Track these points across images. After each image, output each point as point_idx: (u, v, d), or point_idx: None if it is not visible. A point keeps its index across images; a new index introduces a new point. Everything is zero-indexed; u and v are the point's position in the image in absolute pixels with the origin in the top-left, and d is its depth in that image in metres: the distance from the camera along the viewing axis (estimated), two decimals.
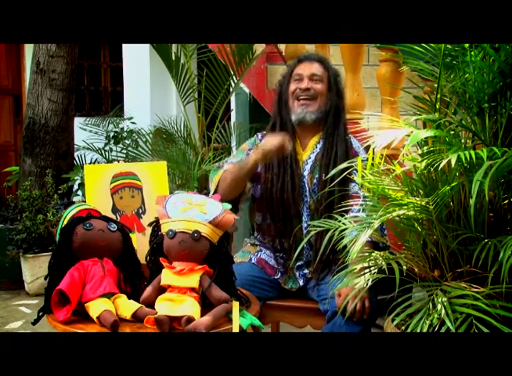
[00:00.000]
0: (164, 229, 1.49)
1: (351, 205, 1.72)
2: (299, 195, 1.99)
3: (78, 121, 4.51)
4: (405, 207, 1.39)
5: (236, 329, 1.40)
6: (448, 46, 1.53)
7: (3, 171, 4.69)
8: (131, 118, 4.66)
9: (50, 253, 2.10)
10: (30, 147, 4.02)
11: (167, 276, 1.45)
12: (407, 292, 1.38)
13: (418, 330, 1.27)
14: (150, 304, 1.44)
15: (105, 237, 1.50)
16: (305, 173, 2.01)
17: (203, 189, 3.79)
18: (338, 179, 1.69)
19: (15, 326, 3.10)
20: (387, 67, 2.88)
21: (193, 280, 1.44)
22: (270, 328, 2.22)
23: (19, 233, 3.61)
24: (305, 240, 1.69)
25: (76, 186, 3.86)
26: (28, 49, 5.59)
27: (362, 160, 1.52)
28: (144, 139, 4.25)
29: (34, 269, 3.61)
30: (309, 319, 1.95)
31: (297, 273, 1.99)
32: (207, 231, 1.47)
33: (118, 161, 2.15)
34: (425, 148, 1.46)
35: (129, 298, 1.47)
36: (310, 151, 2.03)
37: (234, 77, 3.87)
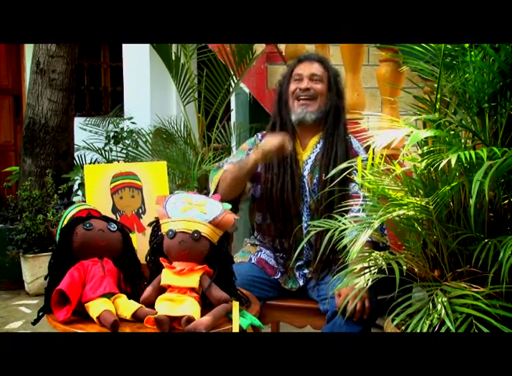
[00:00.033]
0: (164, 229, 1.49)
1: (351, 205, 1.72)
2: (299, 195, 1.99)
3: (78, 121, 4.51)
4: (405, 207, 1.39)
5: (236, 329, 1.40)
6: (448, 46, 1.53)
7: (3, 171, 4.69)
8: (131, 118, 4.66)
9: (50, 253, 2.10)
10: (30, 147, 4.02)
11: (167, 276, 1.45)
12: (407, 292, 1.38)
13: (418, 330, 1.27)
14: (150, 304, 1.44)
15: (105, 237, 1.50)
16: (305, 173, 2.01)
17: (203, 189, 3.79)
18: (338, 179, 1.69)
19: (15, 326, 3.10)
20: (387, 67, 2.88)
21: (193, 280, 1.44)
22: (270, 328, 2.22)
23: (19, 233, 3.61)
24: (305, 240, 1.69)
25: (76, 186, 3.86)
26: (28, 49, 5.59)
27: (362, 160, 1.52)
28: (144, 139, 4.25)
29: (34, 269, 3.61)
30: (309, 319, 1.95)
31: (297, 273, 1.99)
32: (207, 231, 1.47)
33: (118, 161, 2.15)
34: (425, 148, 1.46)
35: (129, 298, 1.47)
36: (310, 151, 2.03)
37: (234, 77, 3.87)
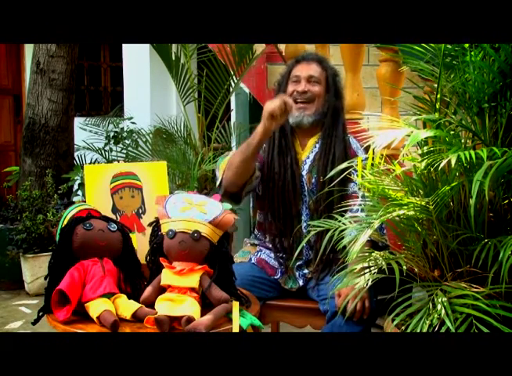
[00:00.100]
0: (164, 229, 1.49)
1: (350, 205, 1.72)
2: (299, 194, 1.99)
3: (78, 121, 4.52)
4: (405, 207, 1.39)
5: (236, 329, 1.40)
6: (448, 46, 1.52)
7: (3, 171, 4.69)
8: (131, 118, 4.66)
9: (50, 253, 2.10)
10: (30, 147, 4.02)
11: (167, 276, 1.45)
12: (407, 292, 1.38)
13: (418, 330, 1.27)
14: (150, 304, 1.44)
15: (105, 237, 1.50)
16: (304, 173, 2.01)
17: (203, 189, 3.79)
18: (337, 180, 1.69)
19: (15, 326, 3.10)
20: (387, 67, 2.88)
21: (193, 280, 1.44)
22: (270, 328, 2.23)
23: (19, 233, 3.61)
24: (305, 239, 1.69)
25: (76, 186, 3.86)
26: (28, 49, 5.59)
27: (362, 160, 1.52)
28: (144, 139, 4.25)
29: (34, 269, 3.61)
30: (309, 319, 1.95)
31: (297, 273, 1.99)
32: (207, 231, 1.47)
33: (118, 161, 2.15)
34: (425, 148, 1.46)
35: (129, 298, 1.47)
36: (309, 151, 2.03)
37: (234, 77, 3.87)
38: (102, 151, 4.47)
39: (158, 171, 1.87)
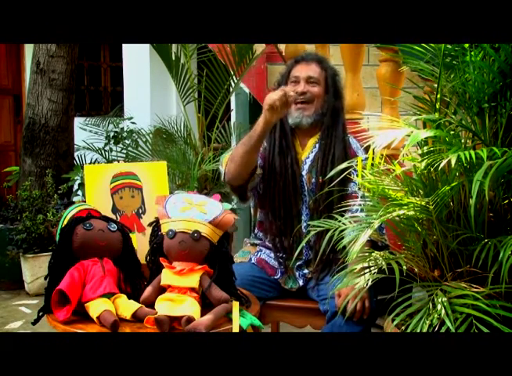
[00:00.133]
0: (164, 229, 1.49)
1: (350, 205, 1.72)
2: (299, 194, 1.99)
3: (78, 121, 4.51)
4: (405, 207, 1.39)
5: (236, 329, 1.40)
6: (448, 46, 1.52)
7: (3, 171, 4.69)
8: (131, 118, 4.66)
9: (50, 253, 2.10)
10: (30, 147, 4.02)
11: (167, 276, 1.45)
12: (407, 292, 1.38)
13: (418, 330, 1.27)
14: (150, 304, 1.44)
15: (105, 237, 1.50)
16: (304, 173, 2.01)
17: (203, 189, 3.79)
18: (337, 180, 1.69)
19: (15, 326, 3.10)
20: (387, 67, 2.88)
21: (193, 280, 1.44)
22: (270, 328, 2.23)
23: (19, 233, 3.61)
24: (305, 239, 1.69)
25: (76, 186, 3.86)
26: (28, 49, 5.59)
27: (362, 160, 1.53)
28: (144, 139, 4.25)
29: (34, 269, 3.61)
30: (309, 319, 1.95)
31: (297, 273, 1.99)
32: (207, 231, 1.47)
33: (118, 161, 2.15)
34: (425, 148, 1.46)
35: (129, 298, 1.47)
36: (309, 151, 2.03)
37: (234, 77, 3.87)
38: (102, 151, 4.47)
39: (158, 171, 1.87)
